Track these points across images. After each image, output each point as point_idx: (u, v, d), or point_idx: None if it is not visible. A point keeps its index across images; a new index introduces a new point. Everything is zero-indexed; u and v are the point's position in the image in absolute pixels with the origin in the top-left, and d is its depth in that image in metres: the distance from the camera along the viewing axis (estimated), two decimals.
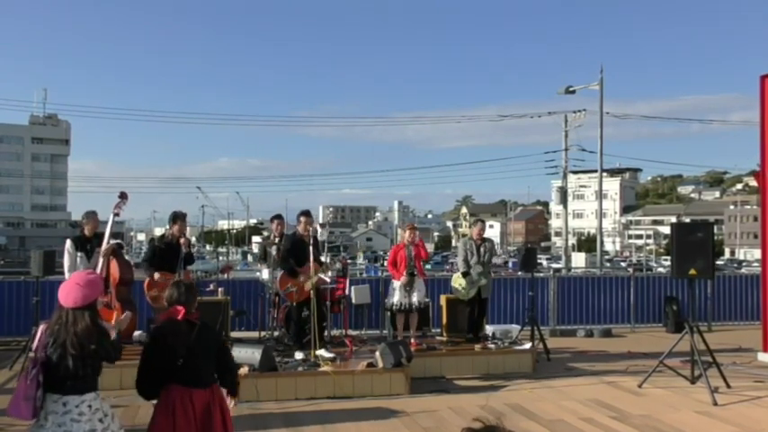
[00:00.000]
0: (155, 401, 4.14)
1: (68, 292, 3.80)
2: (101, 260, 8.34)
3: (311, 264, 8.77)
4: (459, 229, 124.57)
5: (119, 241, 9.04)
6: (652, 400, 7.61)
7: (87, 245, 8.87)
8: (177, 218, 8.82)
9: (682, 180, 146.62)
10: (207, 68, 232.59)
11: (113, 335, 3.97)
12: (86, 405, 3.70)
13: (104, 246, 8.39)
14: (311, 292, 8.73)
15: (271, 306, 10.11)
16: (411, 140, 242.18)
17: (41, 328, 3.84)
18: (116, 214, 8.35)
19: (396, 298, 9.51)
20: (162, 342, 4.10)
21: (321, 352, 8.49)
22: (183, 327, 4.13)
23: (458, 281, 9.80)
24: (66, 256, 8.84)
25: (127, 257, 9.90)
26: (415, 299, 9.45)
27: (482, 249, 9.85)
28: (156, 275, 8.69)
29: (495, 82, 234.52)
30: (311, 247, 8.82)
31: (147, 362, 4.11)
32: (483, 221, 10.61)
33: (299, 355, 8.44)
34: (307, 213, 9.36)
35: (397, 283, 9.51)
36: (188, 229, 9.15)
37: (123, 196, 8.34)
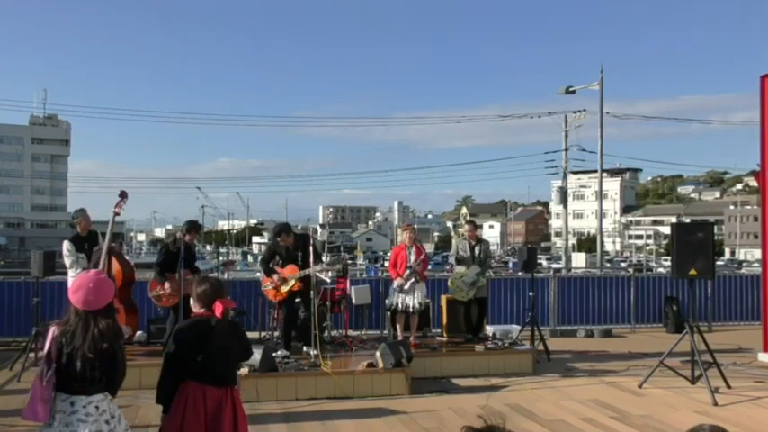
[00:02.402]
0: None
1: (85, 295, 3.70)
2: (102, 258, 8.33)
3: (310, 264, 8.81)
4: (459, 230, 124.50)
5: (113, 244, 9.06)
6: (652, 401, 7.61)
7: (84, 244, 8.88)
8: (193, 228, 9.11)
9: (682, 180, 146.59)
10: (207, 69, 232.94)
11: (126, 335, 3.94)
12: (93, 406, 3.69)
13: (105, 244, 8.40)
14: (314, 295, 8.75)
15: (271, 306, 10.11)
16: (412, 140, 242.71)
17: (53, 328, 3.76)
18: (116, 214, 8.34)
19: (393, 298, 9.54)
20: (187, 337, 4.08)
21: (307, 349, 8.69)
22: (214, 323, 4.12)
23: (455, 282, 9.82)
24: (67, 256, 8.84)
25: (127, 258, 9.90)
26: (414, 300, 9.45)
27: (477, 250, 9.86)
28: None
29: (495, 82, 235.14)
30: (308, 251, 8.88)
31: (173, 359, 4.07)
32: (473, 222, 10.72)
33: (280, 353, 8.58)
34: (286, 230, 9.38)
35: (395, 284, 9.54)
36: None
37: (123, 195, 8.34)
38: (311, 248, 8.82)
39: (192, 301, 4.34)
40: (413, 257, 9.50)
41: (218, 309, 4.15)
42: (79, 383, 3.66)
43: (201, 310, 4.20)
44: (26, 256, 41.82)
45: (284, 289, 8.98)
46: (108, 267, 8.43)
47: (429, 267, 12.93)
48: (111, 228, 8.38)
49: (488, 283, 10.31)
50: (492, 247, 12.12)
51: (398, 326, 9.70)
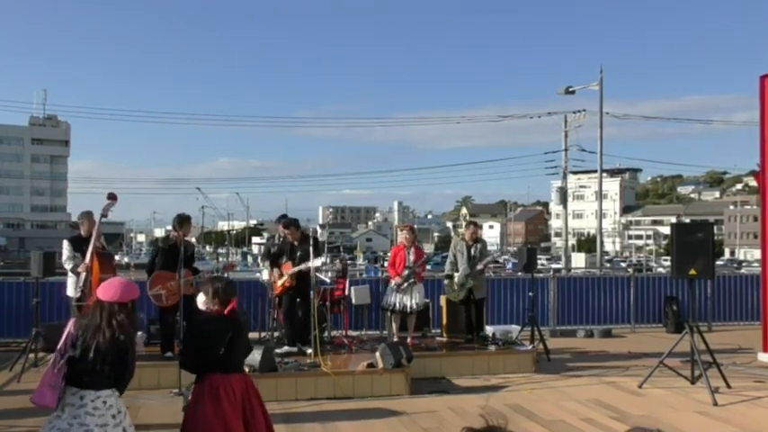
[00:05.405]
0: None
1: (109, 288, 3.96)
2: (88, 256, 8.31)
3: (311, 260, 8.86)
4: (459, 230, 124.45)
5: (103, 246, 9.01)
6: (652, 401, 7.61)
7: (84, 246, 8.84)
8: (182, 221, 8.99)
9: (682, 180, 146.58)
10: (207, 69, 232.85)
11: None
12: (101, 401, 3.83)
13: (91, 244, 8.35)
14: (313, 294, 8.77)
15: (271, 306, 10.11)
16: (412, 141, 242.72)
17: (71, 322, 3.97)
18: (104, 215, 8.31)
19: (390, 298, 9.55)
20: (213, 331, 4.27)
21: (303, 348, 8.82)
22: (232, 320, 4.36)
23: (448, 282, 9.85)
24: (66, 255, 8.81)
25: (126, 259, 9.84)
26: (412, 301, 9.45)
27: (473, 250, 9.85)
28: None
29: (495, 82, 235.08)
30: (311, 247, 8.91)
31: (195, 348, 4.30)
32: (475, 224, 10.68)
33: (283, 349, 8.65)
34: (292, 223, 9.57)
35: (393, 283, 9.56)
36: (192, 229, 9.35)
37: (112, 197, 8.31)
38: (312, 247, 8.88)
39: (201, 298, 4.46)
40: (411, 258, 9.51)
41: (234, 307, 4.42)
42: (89, 377, 3.82)
43: (216, 308, 4.37)
44: (26, 257, 41.84)
45: (278, 283, 9.23)
46: (91, 266, 8.37)
47: (428, 267, 12.93)
48: (97, 229, 8.31)
49: (488, 283, 10.28)
50: (491, 248, 12.13)
51: (394, 326, 9.70)
